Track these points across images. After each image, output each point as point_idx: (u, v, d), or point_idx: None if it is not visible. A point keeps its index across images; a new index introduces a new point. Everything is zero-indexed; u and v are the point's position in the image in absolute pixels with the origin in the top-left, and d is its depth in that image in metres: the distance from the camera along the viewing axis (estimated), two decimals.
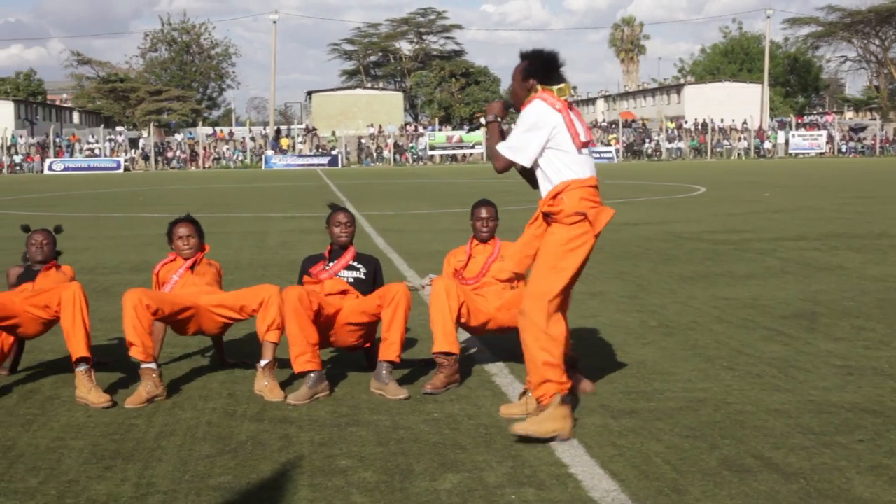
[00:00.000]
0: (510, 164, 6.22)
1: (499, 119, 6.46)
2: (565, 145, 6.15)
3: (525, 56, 6.38)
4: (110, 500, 5.05)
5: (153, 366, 7.03)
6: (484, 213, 8.12)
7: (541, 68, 6.27)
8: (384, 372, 7.14)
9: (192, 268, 7.82)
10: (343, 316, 7.39)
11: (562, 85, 6.29)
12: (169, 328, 7.67)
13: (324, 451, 5.81)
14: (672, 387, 7.11)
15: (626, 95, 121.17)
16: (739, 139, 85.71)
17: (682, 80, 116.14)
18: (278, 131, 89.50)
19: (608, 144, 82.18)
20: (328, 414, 6.64)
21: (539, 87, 6.23)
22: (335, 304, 7.39)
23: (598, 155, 77.34)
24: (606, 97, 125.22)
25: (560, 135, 6.13)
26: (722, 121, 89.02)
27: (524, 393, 6.44)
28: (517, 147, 6.19)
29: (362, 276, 7.81)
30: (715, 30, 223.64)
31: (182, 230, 7.91)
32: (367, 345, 7.72)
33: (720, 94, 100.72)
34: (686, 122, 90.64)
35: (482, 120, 6.60)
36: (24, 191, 45.22)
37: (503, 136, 6.36)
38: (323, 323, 7.22)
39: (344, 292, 7.57)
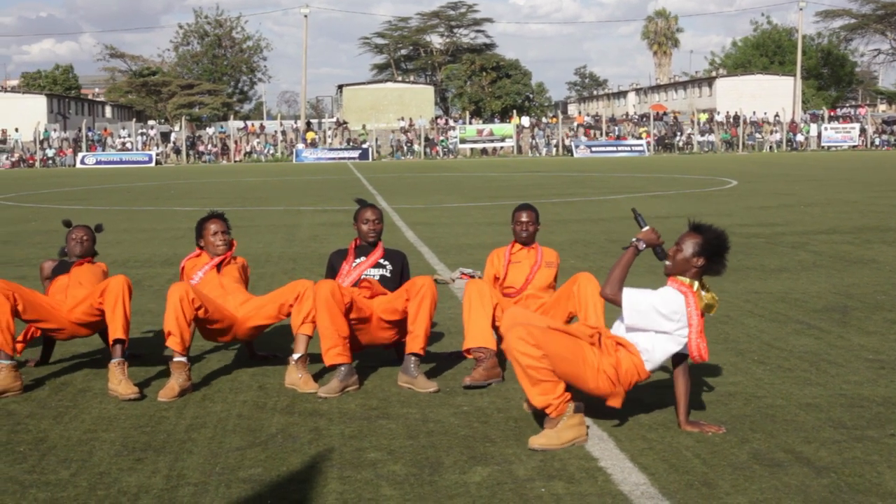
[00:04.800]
0: (617, 303, 5.98)
1: (641, 249, 6.09)
2: (669, 350, 6.01)
3: (701, 230, 6.03)
4: (141, 492, 5.07)
5: (185, 359, 7.08)
6: (524, 217, 8.07)
7: (715, 253, 5.98)
8: (412, 365, 7.15)
9: (218, 265, 7.84)
10: (375, 317, 7.39)
11: (711, 300, 6.01)
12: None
13: (353, 444, 5.83)
14: (703, 380, 7.08)
15: (657, 88, 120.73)
16: (771, 132, 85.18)
17: (713, 73, 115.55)
18: (308, 124, 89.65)
19: (639, 138, 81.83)
20: (358, 407, 6.66)
21: (697, 283, 5.97)
22: (366, 306, 7.38)
23: (628, 148, 77.30)
24: (638, 90, 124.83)
25: (672, 339, 5.97)
26: (754, 113, 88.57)
27: None
28: (640, 311, 5.91)
29: (388, 273, 7.82)
30: (746, 22, 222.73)
31: (214, 226, 7.94)
32: (400, 341, 7.70)
33: (752, 86, 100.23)
34: (718, 114, 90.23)
35: (634, 239, 6.30)
36: (57, 185, 45.47)
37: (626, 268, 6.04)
38: (355, 323, 7.24)
39: (368, 286, 7.56)
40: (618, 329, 6.08)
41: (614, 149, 77.61)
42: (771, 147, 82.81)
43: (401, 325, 7.45)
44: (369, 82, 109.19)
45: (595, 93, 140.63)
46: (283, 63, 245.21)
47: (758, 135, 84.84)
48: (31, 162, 78.97)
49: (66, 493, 5.08)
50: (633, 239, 6.08)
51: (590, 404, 6.09)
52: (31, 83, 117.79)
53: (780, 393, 6.73)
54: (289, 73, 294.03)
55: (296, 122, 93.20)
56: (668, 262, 6.04)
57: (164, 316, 7.13)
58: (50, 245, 16.52)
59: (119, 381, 7.01)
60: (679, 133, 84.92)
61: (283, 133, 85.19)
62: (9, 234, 20.32)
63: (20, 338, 7.91)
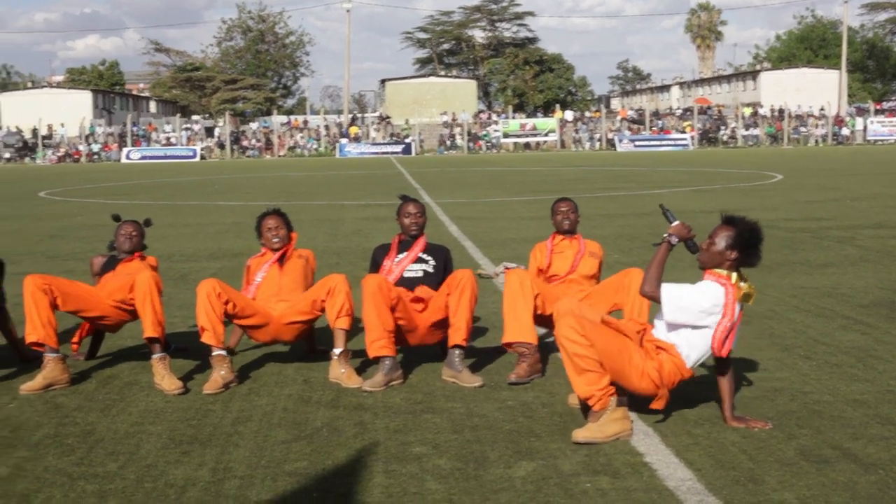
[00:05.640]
0: (657, 299, 5.98)
1: (673, 244, 6.08)
2: (709, 344, 5.94)
3: (734, 223, 5.98)
4: (188, 485, 5.11)
5: (224, 352, 7.13)
6: (564, 206, 8.11)
7: (748, 245, 5.93)
8: (456, 359, 7.15)
9: (280, 261, 7.87)
10: (425, 321, 7.40)
11: (749, 290, 5.96)
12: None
13: (398, 438, 5.84)
14: (749, 376, 7.05)
15: (701, 82, 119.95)
16: (817, 126, 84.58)
17: (757, 67, 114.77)
18: (352, 119, 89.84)
19: (683, 131, 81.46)
20: (403, 401, 6.67)
21: (735, 274, 5.93)
22: (415, 314, 7.38)
23: (672, 142, 76.93)
24: (681, 84, 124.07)
25: (711, 331, 5.91)
26: (798, 107, 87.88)
27: None
28: (680, 306, 5.87)
29: (431, 268, 7.80)
30: (790, 15, 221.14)
31: (270, 222, 7.98)
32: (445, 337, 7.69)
33: (797, 80, 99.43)
34: (762, 108, 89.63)
35: (665, 235, 6.24)
36: (103, 179, 45.79)
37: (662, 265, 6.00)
38: (405, 328, 7.25)
39: (420, 300, 7.54)
40: (658, 328, 6.05)
41: (658, 143, 77.35)
42: (816, 141, 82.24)
43: (446, 324, 7.44)
44: (412, 77, 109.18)
45: (638, 87, 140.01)
46: (326, 58, 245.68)
47: (803, 129, 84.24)
48: (76, 157, 79.64)
49: (114, 486, 5.12)
50: (665, 234, 6.06)
51: (634, 399, 6.07)
52: (76, 79, 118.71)
53: (826, 389, 6.68)
54: (332, 67, 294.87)
55: (339, 117, 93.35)
56: (700, 256, 6.02)
57: (196, 312, 7.20)
58: (97, 239, 16.64)
59: (162, 376, 7.07)
60: (723, 127, 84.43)
61: (327, 128, 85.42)
62: (56, 228, 20.49)
63: (75, 338, 8.00)
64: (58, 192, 34.29)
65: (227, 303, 7.20)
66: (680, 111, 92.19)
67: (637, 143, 77.39)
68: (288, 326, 7.55)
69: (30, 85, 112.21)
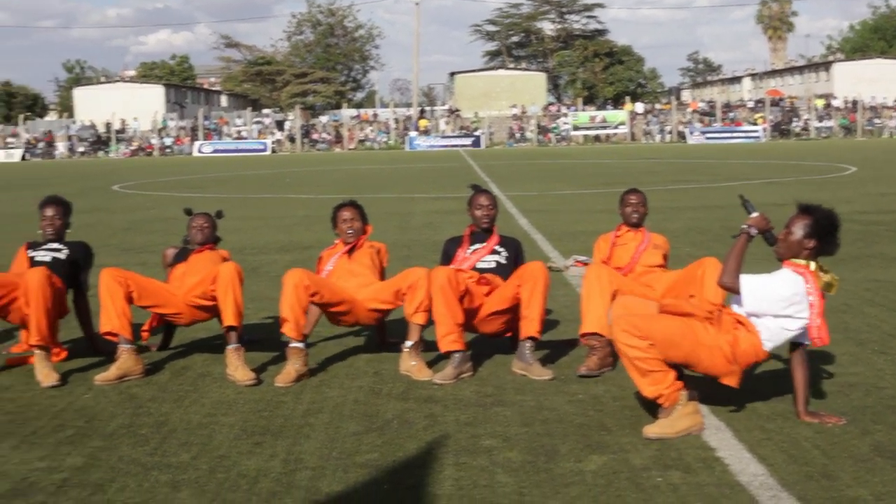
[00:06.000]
0: (736, 291, 5.92)
1: (753, 236, 6.00)
2: (788, 334, 5.91)
3: (811, 211, 5.93)
4: (260, 476, 5.15)
5: (301, 345, 7.16)
6: (633, 199, 8.05)
7: (826, 233, 5.88)
8: (527, 352, 7.14)
9: (350, 252, 7.91)
10: (487, 306, 7.39)
11: (831, 279, 5.93)
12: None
13: (469, 431, 5.84)
14: (822, 370, 6.97)
15: (773, 73, 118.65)
16: (891, 117, 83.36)
17: (830, 58, 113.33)
18: (421, 112, 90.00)
19: (755, 123, 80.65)
20: (473, 394, 6.67)
21: (813, 264, 5.87)
22: (480, 294, 7.39)
23: (744, 134, 76.22)
24: (753, 75, 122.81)
25: (792, 322, 5.87)
26: (873, 98, 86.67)
27: None
28: (760, 297, 5.82)
29: (504, 260, 7.80)
30: (863, 5, 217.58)
31: (346, 213, 8.02)
32: (511, 330, 7.66)
33: (871, 71, 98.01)
34: (835, 99, 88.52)
35: (744, 226, 6.19)
36: (175, 173, 46.27)
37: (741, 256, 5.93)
38: (468, 310, 7.25)
39: (486, 282, 7.54)
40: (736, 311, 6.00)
41: (729, 135, 76.63)
42: (891, 133, 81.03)
43: (512, 314, 7.42)
44: (481, 69, 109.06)
45: (709, 78, 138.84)
46: (395, 51, 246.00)
47: (877, 120, 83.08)
48: (149, 151, 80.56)
49: (187, 476, 5.18)
50: (743, 226, 6.00)
51: (707, 394, 6.03)
52: (148, 73, 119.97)
53: None
54: (401, 60, 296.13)
55: (408, 110, 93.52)
56: (778, 247, 5.96)
57: (280, 303, 7.23)
58: (169, 232, 16.82)
59: (236, 367, 7.13)
60: (795, 119, 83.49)
61: (396, 121, 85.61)
62: (129, 221, 20.73)
63: (145, 326, 8.09)
64: (131, 186, 34.70)
65: (314, 294, 7.25)
66: (752, 103, 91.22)
67: (708, 135, 76.76)
68: (370, 312, 7.59)
69: (103, 79, 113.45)
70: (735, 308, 5.99)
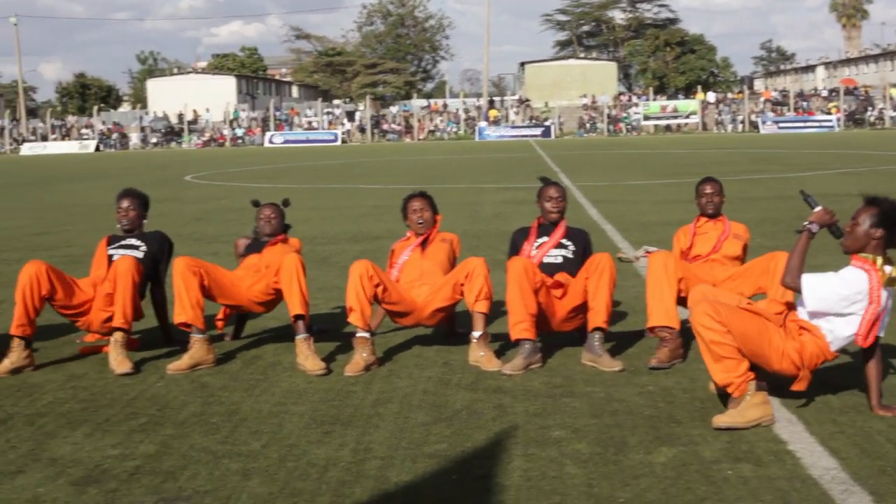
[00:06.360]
0: (798, 290, 5.86)
1: (814, 232, 5.93)
2: (853, 332, 5.82)
3: (877, 202, 5.82)
4: (329, 465, 5.18)
5: (367, 335, 7.19)
6: (709, 188, 7.99)
7: (893, 223, 5.76)
8: (596, 343, 7.11)
9: (423, 245, 7.92)
10: (563, 308, 7.37)
11: (894, 271, 5.80)
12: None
13: (538, 422, 5.83)
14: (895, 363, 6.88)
15: (847, 62, 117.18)
16: None
17: None
18: (491, 102, 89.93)
19: (828, 113, 79.67)
20: (542, 385, 6.66)
21: (880, 259, 5.77)
22: (555, 299, 7.36)
23: (817, 124, 75.31)
24: (826, 64, 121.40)
25: (858, 320, 5.79)
26: None
27: None
28: (821, 296, 5.77)
29: (570, 254, 7.75)
30: None
31: (416, 204, 8.03)
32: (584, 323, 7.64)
33: None
34: None
35: (805, 223, 6.14)
36: (247, 163, 46.62)
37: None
38: (545, 312, 7.23)
39: (559, 285, 7.50)
40: (802, 313, 5.94)
41: (802, 124, 75.77)
42: None
43: (585, 309, 7.39)
44: (551, 59, 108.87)
45: (782, 67, 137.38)
46: (465, 41, 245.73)
47: None
48: (221, 141, 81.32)
49: (258, 464, 5.22)
50: (805, 222, 5.93)
51: (779, 387, 5.98)
52: (220, 65, 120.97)
53: None
54: (471, 51, 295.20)
55: (478, 100, 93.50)
56: (844, 240, 5.88)
57: (346, 292, 7.27)
58: (241, 222, 16.96)
59: (306, 356, 7.18)
60: (870, 108, 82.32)
61: (466, 111, 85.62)
62: (201, 211, 20.94)
63: (220, 315, 8.18)
64: (203, 176, 35.03)
65: (377, 286, 7.27)
66: (825, 92, 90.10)
67: (781, 124, 75.96)
68: (434, 313, 7.60)
69: (175, 71, 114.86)
70: (799, 309, 5.94)
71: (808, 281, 5.77)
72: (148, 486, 4.94)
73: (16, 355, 7.30)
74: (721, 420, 5.61)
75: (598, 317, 7.16)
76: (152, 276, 8.14)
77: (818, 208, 6.01)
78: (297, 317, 7.34)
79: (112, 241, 8.23)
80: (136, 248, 8.10)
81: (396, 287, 7.51)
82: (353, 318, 7.18)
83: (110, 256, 8.05)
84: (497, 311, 8.03)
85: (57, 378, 7.18)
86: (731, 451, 5.23)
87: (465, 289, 7.37)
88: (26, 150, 79.28)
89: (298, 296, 7.35)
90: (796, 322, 5.88)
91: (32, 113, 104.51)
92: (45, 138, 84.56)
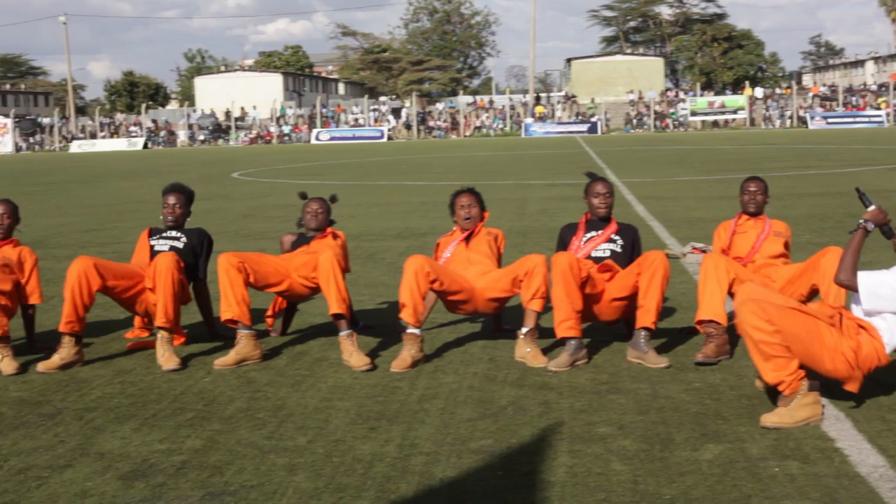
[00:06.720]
0: (853, 288, 5.84)
1: (870, 230, 5.92)
2: None
3: None
4: (375, 460, 5.19)
5: (418, 331, 7.19)
6: (752, 187, 7.92)
7: None
8: (642, 340, 7.09)
9: (467, 239, 7.92)
10: (609, 292, 7.35)
11: None
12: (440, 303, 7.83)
13: (583, 418, 5.82)
14: None
15: None
16: None
17: None
18: (537, 98, 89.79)
19: (878, 108, 78.92)
20: (588, 381, 6.65)
21: None
22: (602, 280, 7.35)
23: (866, 119, 74.61)
24: (876, 59, 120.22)
25: None
26: None
27: None
28: (878, 294, 5.73)
29: (619, 248, 7.73)
30: None
31: (464, 200, 8.03)
32: (628, 317, 7.61)
33: None
34: None
35: (861, 220, 6.12)
36: (294, 160, 46.79)
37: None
38: (590, 295, 7.21)
39: (607, 268, 7.48)
40: (857, 312, 5.89)
41: (851, 120, 75.05)
42: None
43: (630, 301, 7.38)
44: (598, 55, 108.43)
45: (831, 62, 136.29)
46: (512, 37, 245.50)
47: None
48: (268, 138, 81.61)
49: (304, 459, 5.24)
50: (860, 220, 5.88)
51: (825, 384, 5.93)
52: (267, 62, 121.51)
53: None
54: (517, 47, 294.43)
55: (524, 97, 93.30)
56: None
57: (399, 288, 7.26)
58: (287, 219, 17.01)
59: (350, 353, 7.19)
60: None
61: (512, 107, 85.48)
62: (248, 207, 21.04)
63: (269, 312, 8.23)
64: (250, 173, 35.19)
65: (434, 281, 7.28)
66: (875, 87, 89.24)
67: (829, 120, 75.29)
68: (489, 302, 7.61)
69: (223, 68, 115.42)
70: (853, 308, 5.88)
71: (864, 279, 5.72)
72: (194, 481, 4.97)
73: (66, 351, 7.37)
74: (769, 420, 5.57)
75: (647, 316, 7.13)
76: (192, 269, 8.17)
77: (872, 207, 5.96)
78: (337, 315, 7.36)
79: (153, 232, 8.29)
80: (176, 239, 8.15)
81: (453, 276, 7.49)
82: (405, 315, 7.18)
83: (152, 247, 8.11)
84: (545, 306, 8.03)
85: (105, 373, 7.24)
86: (778, 449, 5.20)
87: (522, 285, 7.36)
88: (75, 147, 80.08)
89: (336, 294, 7.35)
90: (854, 320, 5.82)
91: (81, 111, 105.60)
92: (93, 136, 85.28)
